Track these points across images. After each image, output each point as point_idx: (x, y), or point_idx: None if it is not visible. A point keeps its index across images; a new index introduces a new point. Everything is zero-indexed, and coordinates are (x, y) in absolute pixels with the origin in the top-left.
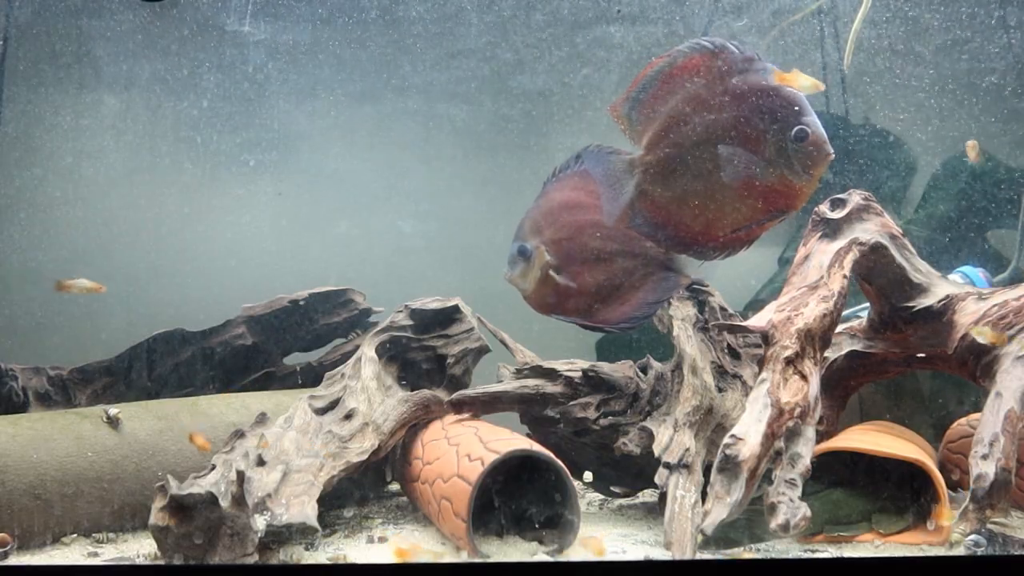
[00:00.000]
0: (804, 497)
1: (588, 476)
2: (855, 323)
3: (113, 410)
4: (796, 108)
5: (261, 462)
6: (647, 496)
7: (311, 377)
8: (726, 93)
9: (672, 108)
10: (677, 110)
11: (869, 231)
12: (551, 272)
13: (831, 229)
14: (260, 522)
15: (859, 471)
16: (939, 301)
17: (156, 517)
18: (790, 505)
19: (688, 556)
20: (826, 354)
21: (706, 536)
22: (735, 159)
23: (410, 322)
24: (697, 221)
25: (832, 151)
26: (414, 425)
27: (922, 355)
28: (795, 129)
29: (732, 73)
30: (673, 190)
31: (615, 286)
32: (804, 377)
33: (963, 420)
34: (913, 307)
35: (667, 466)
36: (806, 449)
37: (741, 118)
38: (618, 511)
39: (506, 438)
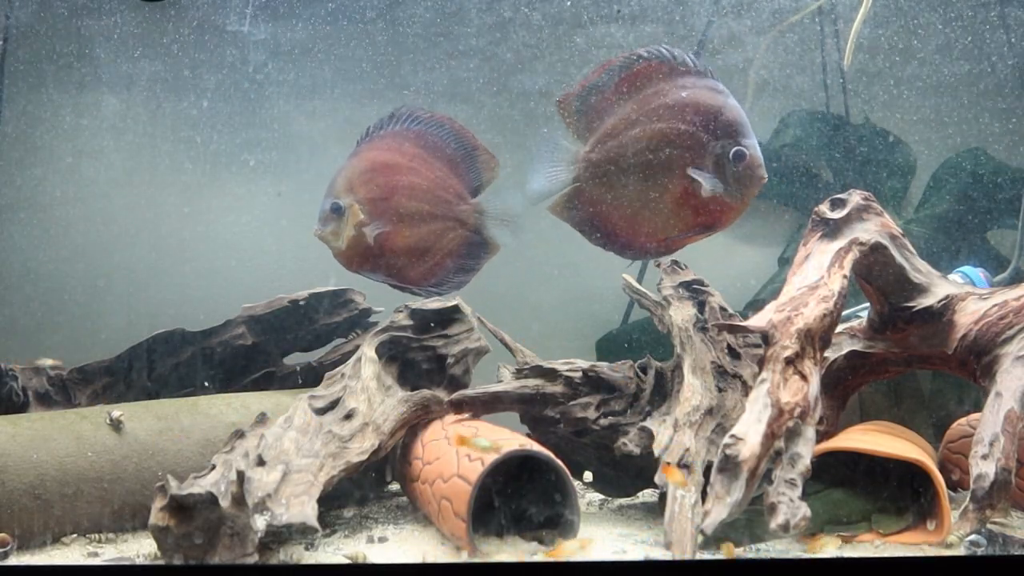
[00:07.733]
0: (804, 497)
1: (588, 476)
2: (855, 323)
3: (116, 412)
4: (737, 129)
5: (261, 462)
6: (647, 496)
7: (311, 377)
8: (675, 104)
9: (622, 111)
10: (626, 113)
11: (869, 231)
12: (364, 230)
13: (831, 229)
14: (260, 522)
15: (859, 471)
16: (939, 301)
17: (156, 517)
18: (790, 505)
19: (688, 556)
20: (826, 354)
21: (706, 536)
22: (675, 170)
23: (410, 322)
24: (628, 223)
25: (765, 176)
26: (414, 425)
27: (922, 355)
28: (734, 150)
29: (684, 86)
30: (610, 190)
31: (426, 248)
32: (804, 377)
33: (963, 420)
34: (913, 307)
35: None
36: (806, 449)
37: (686, 131)
38: (618, 511)
39: (506, 438)
